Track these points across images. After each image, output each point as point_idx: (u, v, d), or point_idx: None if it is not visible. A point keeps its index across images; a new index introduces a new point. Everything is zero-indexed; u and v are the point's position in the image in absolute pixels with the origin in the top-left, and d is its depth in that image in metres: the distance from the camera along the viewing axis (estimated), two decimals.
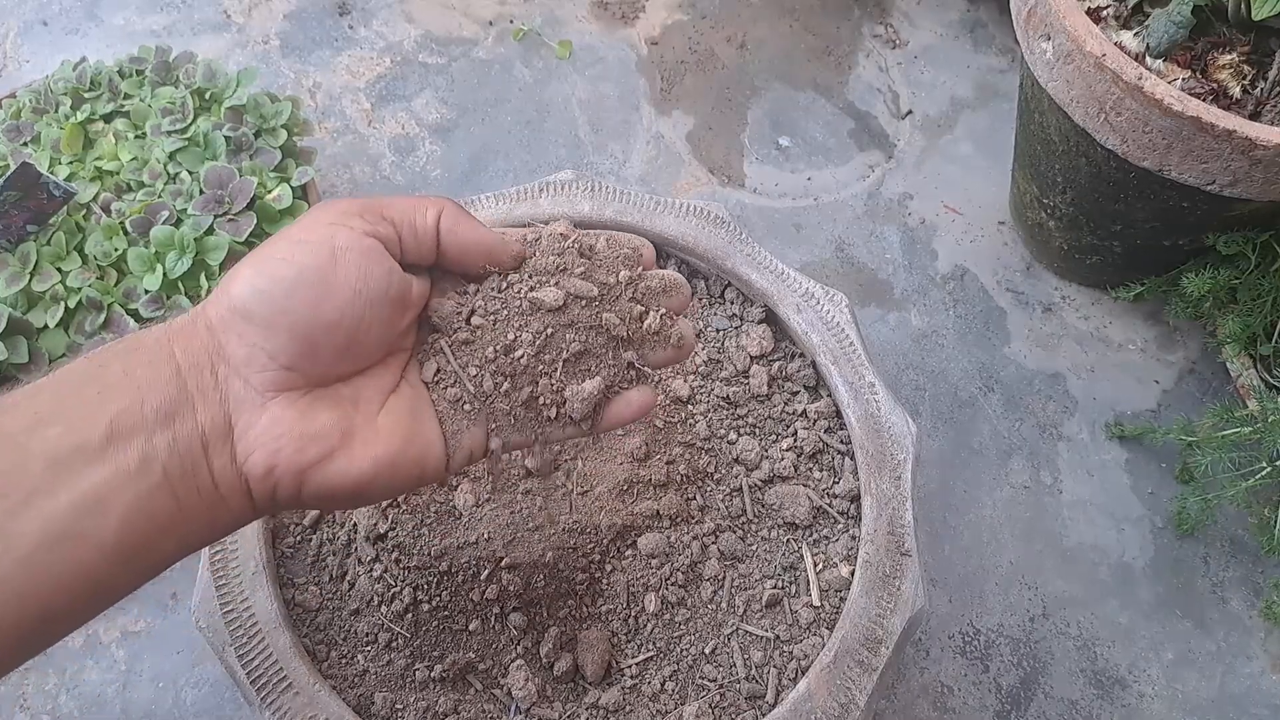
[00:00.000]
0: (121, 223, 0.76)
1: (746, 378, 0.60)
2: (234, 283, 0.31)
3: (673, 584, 0.54)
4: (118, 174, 0.80)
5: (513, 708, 0.50)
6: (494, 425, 0.37)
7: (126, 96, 0.86)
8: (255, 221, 0.77)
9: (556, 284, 0.37)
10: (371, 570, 0.54)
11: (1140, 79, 0.69)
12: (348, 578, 0.54)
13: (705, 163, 1.05)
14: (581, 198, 0.63)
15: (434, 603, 0.53)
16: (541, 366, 0.37)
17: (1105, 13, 0.79)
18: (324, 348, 0.32)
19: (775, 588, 0.53)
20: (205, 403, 0.31)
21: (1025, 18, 0.79)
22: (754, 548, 0.55)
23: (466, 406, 0.37)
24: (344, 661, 0.51)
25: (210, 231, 0.76)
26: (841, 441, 0.58)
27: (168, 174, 0.80)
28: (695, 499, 0.56)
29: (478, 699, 0.51)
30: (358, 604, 0.53)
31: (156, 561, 0.31)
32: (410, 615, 0.52)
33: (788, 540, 0.55)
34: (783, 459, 0.57)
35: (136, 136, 0.83)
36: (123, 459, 0.29)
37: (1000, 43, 1.16)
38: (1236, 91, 0.74)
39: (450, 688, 0.51)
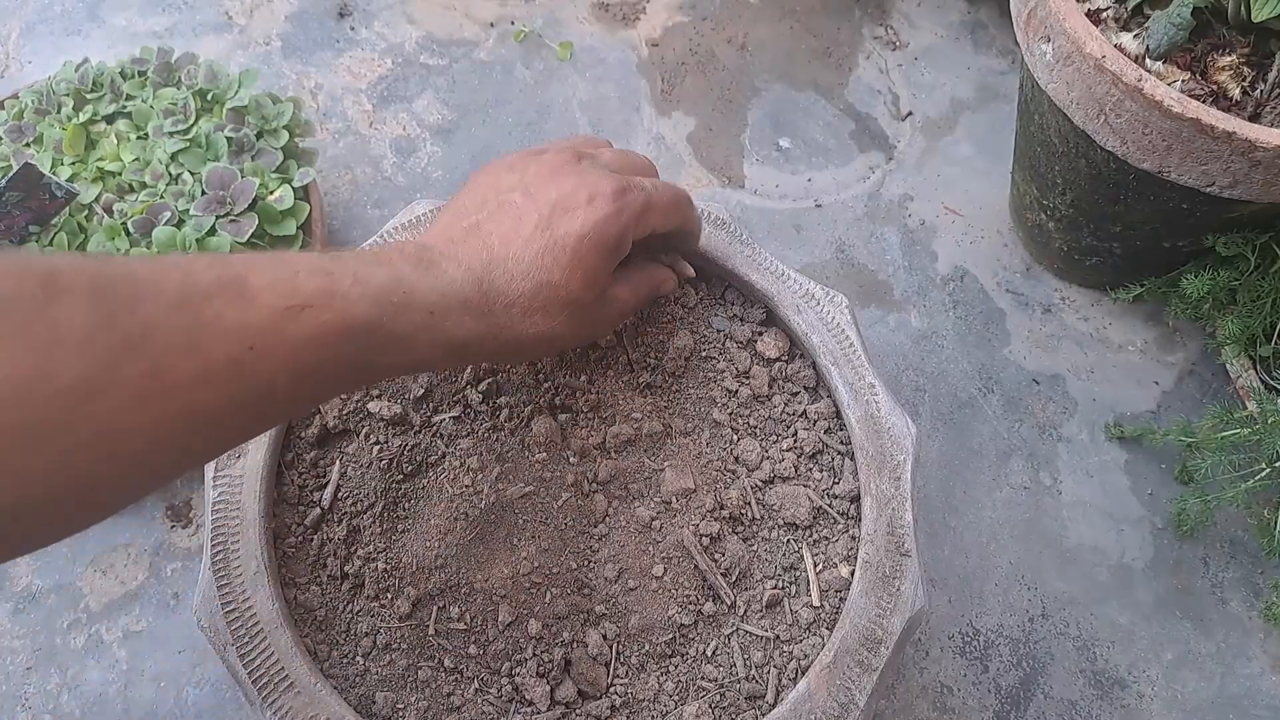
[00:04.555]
0: (123, 223, 0.76)
1: (748, 378, 0.60)
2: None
3: None
4: (120, 175, 0.80)
5: (513, 708, 0.50)
6: None
7: (128, 97, 0.86)
8: (257, 222, 0.77)
9: None
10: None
11: (1140, 81, 0.69)
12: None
13: (706, 164, 1.05)
14: None
15: (437, 603, 0.53)
16: None
17: (1105, 14, 0.79)
18: None
19: (775, 588, 0.53)
20: None
21: (1025, 19, 0.80)
22: (755, 548, 0.55)
23: None
24: (345, 661, 0.51)
25: (212, 232, 0.77)
26: (841, 442, 0.58)
27: (169, 175, 0.80)
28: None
29: (478, 699, 0.51)
30: (359, 604, 0.53)
31: None
32: (412, 615, 0.53)
33: (788, 541, 0.55)
34: (783, 459, 0.57)
35: (138, 137, 0.83)
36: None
37: (1000, 44, 1.16)
38: (1236, 93, 0.74)
39: (451, 688, 0.51)
